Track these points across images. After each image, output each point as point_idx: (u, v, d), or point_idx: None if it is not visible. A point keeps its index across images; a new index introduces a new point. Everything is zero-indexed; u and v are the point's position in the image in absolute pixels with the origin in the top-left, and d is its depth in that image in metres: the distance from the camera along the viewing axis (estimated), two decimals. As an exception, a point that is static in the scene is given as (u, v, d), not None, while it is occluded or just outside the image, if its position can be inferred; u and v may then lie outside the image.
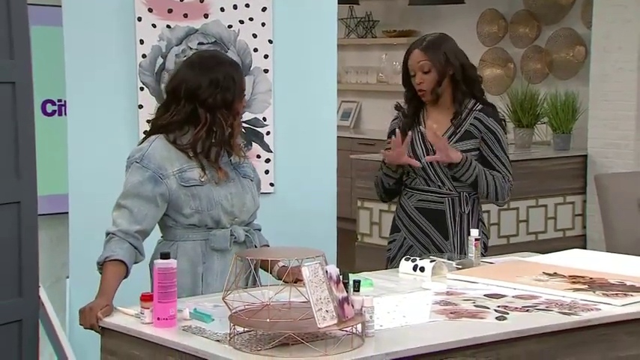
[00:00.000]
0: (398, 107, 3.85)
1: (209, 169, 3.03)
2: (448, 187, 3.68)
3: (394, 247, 3.77)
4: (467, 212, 3.69)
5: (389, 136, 3.81)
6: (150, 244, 3.08)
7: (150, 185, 2.98)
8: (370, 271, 3.40)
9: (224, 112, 3.01)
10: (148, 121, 3.16)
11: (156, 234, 3.11)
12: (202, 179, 3.02)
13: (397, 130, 3.67)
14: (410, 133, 3.67)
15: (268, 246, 3.21)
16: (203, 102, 3.00)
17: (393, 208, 3.92)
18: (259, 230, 3.23)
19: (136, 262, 2.98)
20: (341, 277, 2.50)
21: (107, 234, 2.96)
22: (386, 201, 3.92)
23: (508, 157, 3.74)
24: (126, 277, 2.94)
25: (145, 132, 3.17)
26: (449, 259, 3.40)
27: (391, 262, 3.73)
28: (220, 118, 3.01)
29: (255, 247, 3.12)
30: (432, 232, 3.70)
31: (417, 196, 3.72)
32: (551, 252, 3.68)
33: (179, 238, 3.06)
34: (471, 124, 3.69)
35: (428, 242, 3.71)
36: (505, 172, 3.71)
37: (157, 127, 3.06)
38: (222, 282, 2.99)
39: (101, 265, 2.92)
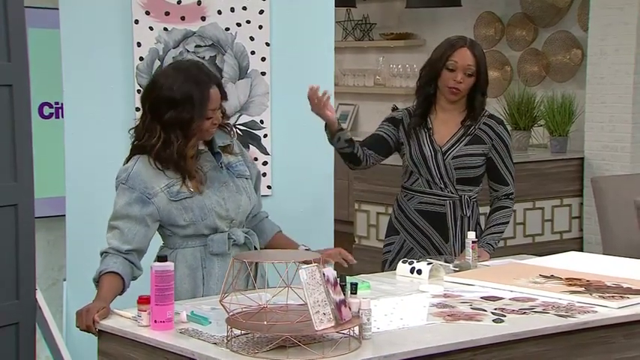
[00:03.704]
0: (395, 110, 3.85)
1: (187, 180, 3.01)
2: (450, 190, 3.68)
3: (393, 250, 3.77)
4: (468, 215, 3.69)
5: (383, 121, 3.78)
6: (152, 249, 3.08)
7: (138, 206, 2.97)
8: (367, 273, 3.40)
9: (178, 132, 2.95)
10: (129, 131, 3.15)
11: (158, 240, 3.12)
12: (192, 190, 3.01)
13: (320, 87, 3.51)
14: (326, 91, 3.53)
15: (281, 231, 3.24)
16: (159, 118, 2.96)
17: (390, 211, 3.91)
18: (267, 217, 3.26)
19: (134, 278, 2.98)
20: (338, 279, 2.50)
21: (101, 254, 2.97)
22: (351, 168, 3.79)
23: (514, 166, 3.77)
24: (123, 290, 2.93)
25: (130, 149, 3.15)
26: (446, 262, 3.41)
27: (390, 265, 3.72)
28: (173, 137, 2.95)
29: (256, 248, 3.12)
30: (432, 235, 3.70)
31: (418, 199, 3.71)
32: (548, 254, 3.68)
33: (178, 246, 3.07)
34: (480, 129, 3.69)
35: (428, 245, 3.70)
36: (511, 182, 3.74)
37: (137, 148, 3.05)
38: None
39: (97, 282, 2.92)
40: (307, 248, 3.14)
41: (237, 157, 3.17)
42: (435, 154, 3.66)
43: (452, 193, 3.67)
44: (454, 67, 3.62)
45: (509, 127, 7.03)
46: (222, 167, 3.10)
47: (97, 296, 2.86)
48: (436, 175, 3.66)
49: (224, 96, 3.04)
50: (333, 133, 3.62)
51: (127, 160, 3.07)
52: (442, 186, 3.67)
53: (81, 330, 2.79)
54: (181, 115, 2.94)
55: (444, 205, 3.68)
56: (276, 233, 3.25)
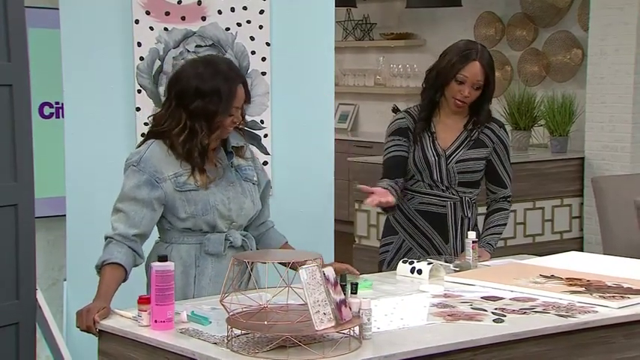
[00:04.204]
0: (395, 110, 3.84)
1: (196, 172, 3.03)
2: (452, 192, 3.67)
3: (392, 250, 3.76)
4: (468, 216, 3.69)
5: (392, 133, 3.69)
6: (147, 246, 3.08)
7: (146, 189, 2.97)
8: (367, 273, 3.40)
9: (203, 123, 2.98)
10: (145, 124, 3.16)
11: (154, 235, 3.11)
12: (197, 184, 3.01)
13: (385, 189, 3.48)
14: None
15: (287, 242, 3.24)
16: (185, 107, 2.99)
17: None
18: (273, 227, 3.26)
19: (135, 266, 2.98)
20: (338, 279, 2.50)
21: (106, 238, 2.96)
22: None
23: (512, 169, 3.78)
24: (124, 280, 2.94)
25: (142, 134, 3.17)
26: (446, 262, 3.40)
27: (388, 265, 3.72)
28: (197, 127, 2.98)
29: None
30: (432, 235, 3.69)
31: (419, 199, 3.70)
32: (548, 254, 3.68)
33: (175, 241, 3.06)
34: (483, 132, 3.69)
35: (428, 245, 3.69)
36: (509, 185, 3.75)
37: (153, 133, 3.06)
38: (215, 286, 3.00)
39: (99, 269, 2.92)
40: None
41: (248, 162, 3.18)
42: (439, 159, 3.64)
43: (453, 194, 3.67)
44: (463, 81, 3.58)
45: (509, 128, 7.11)
46: (232, 167, 3.11)
47: (98, 294, 2.86)
48: (438, 179, 3.65)
49: (248, 97, 3.06)
50: (392, 208, 3.60)
51: (140, 144, 3.08)
52: (444, 188, 3.67)
53: (81, 330, 2.80)
54: (207, 106, 2.97)
55: (445, 206, 3.67)
56: (282, 245, 3.25)
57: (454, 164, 3.64)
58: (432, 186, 3.67)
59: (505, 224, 3.75)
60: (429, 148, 3.65)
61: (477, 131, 3.68)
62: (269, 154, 4.02)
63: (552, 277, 3.19)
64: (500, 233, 3.74)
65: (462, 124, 3.68)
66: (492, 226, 3.72)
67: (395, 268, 3.38)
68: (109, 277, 2.89)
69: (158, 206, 3.00)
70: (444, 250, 3.68)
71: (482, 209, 3.81)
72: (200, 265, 3.06)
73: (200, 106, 2.97)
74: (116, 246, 2.93)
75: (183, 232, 3.05)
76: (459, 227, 3.68)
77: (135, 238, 2.96)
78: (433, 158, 3.64)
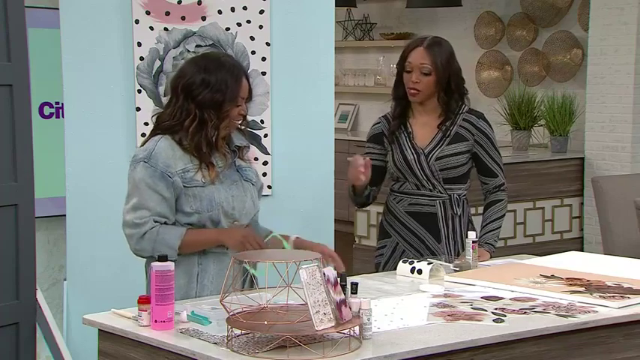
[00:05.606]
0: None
1: (204, 168, 3.04)
2: (439, 190, 3.66)
3: (386, 252, 3.74)
4: (458, 214, 3.68)
5: (368, 140, 3.78)
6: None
7: (161, 183, 2.99)
8: (367, 273, 3.40)
9: (211, 112, 3.02)
10: (146, 124, 3.16)
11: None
12: (204, 180, 3.03)
13: (365, 158, 3.55)
14: (368, 159, 3.56)
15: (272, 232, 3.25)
16: (193, 98, 3.02)
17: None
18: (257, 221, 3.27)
19: None
20: (338, 279, 2.50)
21: (144, 229, 2.97)
22: (360, 207, 3.86)
23: (501, 157, 3.76)
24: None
25: (142, 134, 3.17)
26: (446, 262, 3.40)
27: (384, 268, 3.71)
28: (207, 117, 3.02)
29: None
30: (424, 236, 3.68)
31: (408, 200, 3.69)
32: (548, 254, 3.68)
33: (177, 239, 3.07)
34: (460, 126, 3.68)
35: (421, 246, 3.68)
36: (500, 173, 3.73)
37: (162, 128, 3.07)
38: (217, 284, 3.01)
39: (179, 246, 2.97)
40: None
41: (247, 164, 3.20)
42: (418, 157, 3.64)
43: (441, 192, 3.66)
44: (410, 68, 3.64)
45: (509, 128, 7.11)
46: (235, 165, 3.13)
47: (215, 232, 3.02)
48: (422, 178, 3.65)
49: (250, 91, 3.11)
50: (359, 193, 3.66)
51: (146, 141, 3.09)
52: (431, 187, 3.66)
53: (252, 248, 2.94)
54: (215, 96, 3.01)
55: (435, 206, 3.66)
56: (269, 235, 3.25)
57: (434, 161, 3.63)
58: (419, 186, 3.66)
59: (502, 216, 3.72)
60: (407, 147, 3.66)
61: (453, 126, 3.67)
62: (269, 154, 4.03)
63: (552, 277, 3.20)
64: (499, 227, 3.71)
65: (437, 122, 3.68)
66: (490, 222, 3.70)
67: (390, 271, 3.38)
68: (198, 230, 3.01)
69: (174, 193, 3.02)
70: (436, 250, 3.66)
71: (480, 209, 3.81)
72: (202, 264, 3.07)
73: (208, 97, 3.01)
74: (169, 226, 2.99)
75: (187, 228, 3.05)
76: (450, 226, 3.67)
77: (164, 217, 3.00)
78: (412, 156, 3.64)
